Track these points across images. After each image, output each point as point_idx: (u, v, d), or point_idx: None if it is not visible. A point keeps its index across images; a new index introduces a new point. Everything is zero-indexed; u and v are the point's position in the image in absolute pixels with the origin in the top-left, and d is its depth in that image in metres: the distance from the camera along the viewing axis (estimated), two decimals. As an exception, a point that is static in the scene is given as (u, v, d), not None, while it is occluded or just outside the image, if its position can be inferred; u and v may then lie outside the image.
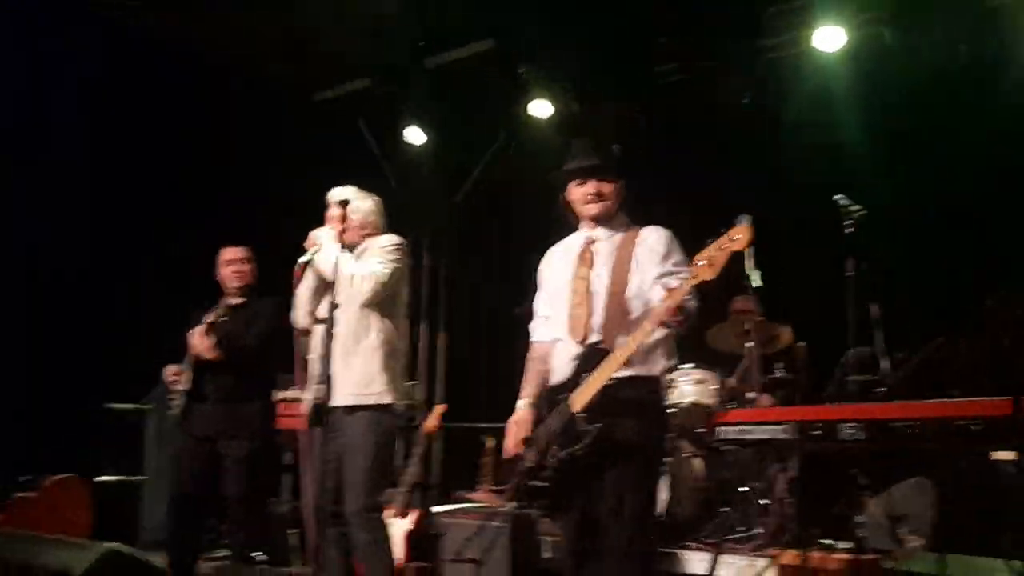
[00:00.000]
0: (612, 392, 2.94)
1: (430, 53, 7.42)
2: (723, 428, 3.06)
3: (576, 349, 3.07)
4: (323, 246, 3.77)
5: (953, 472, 3.59)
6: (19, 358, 6.07)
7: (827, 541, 3.98)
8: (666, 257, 3.07)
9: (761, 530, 4.89)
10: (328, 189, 4.04)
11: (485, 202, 8.61)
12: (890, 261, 4.80)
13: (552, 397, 3.08)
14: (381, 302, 3.82)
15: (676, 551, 4.76)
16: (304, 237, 3.85)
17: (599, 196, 3.18)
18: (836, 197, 4.64)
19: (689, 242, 3.12)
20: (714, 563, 3.16)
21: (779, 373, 5.31)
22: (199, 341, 4.42)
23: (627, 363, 2.92)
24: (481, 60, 7.31)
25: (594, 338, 3.04)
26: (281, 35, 7.15)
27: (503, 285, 7.67)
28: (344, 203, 3.80)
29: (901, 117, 6.00)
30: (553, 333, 3.22)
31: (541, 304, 3.33)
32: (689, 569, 4.66)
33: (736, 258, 5.15)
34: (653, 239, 3.13)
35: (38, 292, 6.20)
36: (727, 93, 6.47)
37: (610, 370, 2.90)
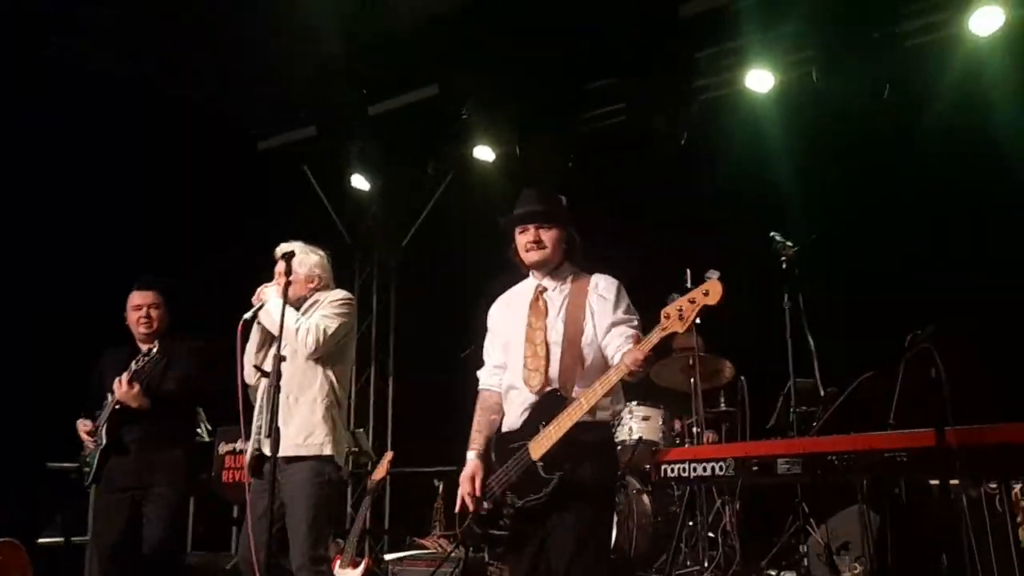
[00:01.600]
0: (569, 438, 2.94)
1: (374, 100, 7.49)
2: (666, 466, 3.09)
3: (531, 397, 3.07)
4: (268, 300, 3.80)
5: (889, 499, 3.67)
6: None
7: (772, 572, 4.03)
8: (616, 305, 3.10)
9: (707, 564, 4.95)
10: (276, 237, 4.04)
11: (432, 246, 8.65)
12: (824, 295, 4.92)
13: (504, 445, 3.07)
14: (327, 355, 3.83)
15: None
16: (251, 288, 3.87)
17: (537, 244, 3.20)
18: (771, 234, 4.77)
19: (633, 283, 3.20)
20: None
21: (723, 407, 5.40)
22: (125, 390, 4.22)
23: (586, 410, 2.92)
24: (425, 106, 7.41)
25: (552, 387, 3.05)
26: (227, 79, 7.18)
27: (451, 329, 7.67)
28: (288, 256, 3.80)
29: (832, 154, 6.19)
30: (506, 381, 3.23)
31: (492, 351, 3.33)
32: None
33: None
34: (603, 287, 3.17)
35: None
36: (662, 135, 6.61)
37: (572, 418, 2.91)
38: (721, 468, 2.83)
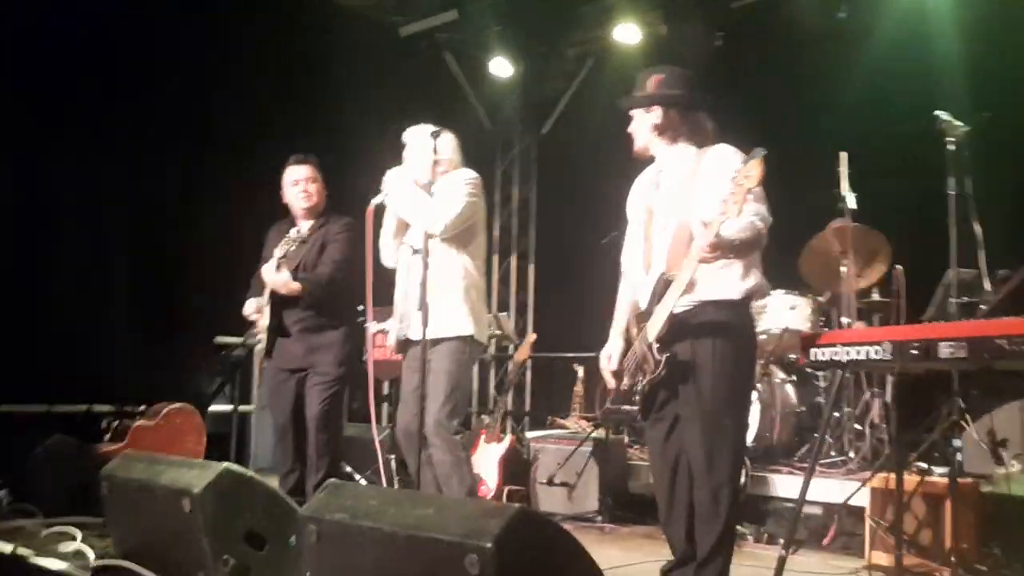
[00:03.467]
0: (686, 319, 2.97)
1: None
2: (817, 350, 3.01)
3: (649, 279, 3.11)
4: (397, 187, 3.86)
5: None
6: (129, 298, 6.43)
7: (923, 465, 3.93)
8: (720, 176, 2.91)
9: (853, 455, 4.88)
10: (417, 123, 4.08)
11: (573, 132, 8.56)
12: (993, 179, 4.60)
13: (638, 324, 3.12)
14: (458, 237, 3.89)
15: (768, 475, 4.79)
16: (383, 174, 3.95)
17: (631, 134, 3.20)
18: (937, 113, 4.45)
19: (785, 166, 3.06)
20: (805, 487, 3.15)
21: (876, 298, 5.20)
22: (274, 278, 4.29)
23: (693, 290, 2.93)
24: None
25: (659, 268, 3.05)
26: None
27: (591, 216, 7.64)
28: (436, 135, 3.84)
29: (1000, 30, 5.69)
30: (638, 263, 3.26)
31: (630, 235, 3.35)
32: (780, 492, 4.68)
33: (831, 179, 5.08)
34: (711, 159, 3.06)
35: (146, 235, 6.50)
36: (818, 12, 6.22)
37: (672, 300, 2.92)
38: (877, 352, 2.71)
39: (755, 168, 2.62)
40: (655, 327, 2.98)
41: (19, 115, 5.80)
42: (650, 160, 3.31)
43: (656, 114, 3.14)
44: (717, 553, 2.96)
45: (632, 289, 3.27)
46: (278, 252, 4.28)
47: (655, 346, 2.97)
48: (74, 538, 3.49)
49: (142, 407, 5.80)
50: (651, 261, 3.13)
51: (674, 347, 2.96)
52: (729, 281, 3.00)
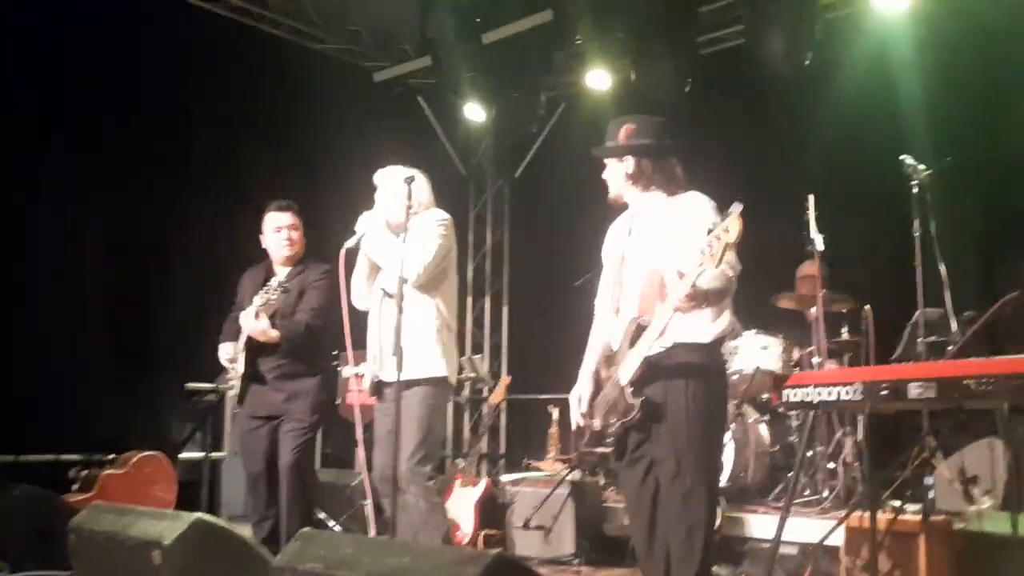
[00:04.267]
0: (658, 361, 3.02)
1: (488, 28, 7.45)
2: (789, 391, 3.05)
3: (622, 323, 3.15)
4: (371, 231, 3.88)
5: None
6: (99, 344, 6.36)
7: (896, 503, 3.96)
8: (694, 225, 2.95)
9: (827, 493, 4.90)
10: (387, 166, 4.11)
11: (545, 175, 8.65)
12: (957, 223, 4.70)
13: (608, 367, 3.17)
14: (431, 280, 3.91)
15: (743, 515, 4.79)
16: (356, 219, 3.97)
17: (605, 179, 3.29)
18: (902, 157, 4.56)
19: (756, 212, 3.11)
20: (781, 527, 3.17)
21: (846, 336, 5.26)
22: (253, 325, 4.26)
23: (665, 333, 2.96)
24: (538, 33, 7.33)
25: (633, 313, 3.11)
26: (338, 12, 7.26)
27: (565, 258, 7.69)
28: (410, 179, 3.85)
29: (964, 76, 5.85)
30: (609, 307, 3.31)
31: (604, 279, 3.41)
32: (756, 533, 4.68)
33: (799, 224, 5.16)
34: (684, 207, 3.12)
35: (117, 279, 6.46)
36: (783, 56, 6.35)
37: (646, 345, 2.97)
38: (848, 392, 2.75)
39: (734, 223, 2.67)
40: (629, 370, 3.02)
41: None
42: (624, 205, 3.36)
43: (628, 164, 3.21)
44: None
45: (603, 332, 3.30)
46: (258, 300, 4.25)
47: (628, 389, 3.01)
48: (41, 592, 3.42)
49: (111, 456, 5.72)
50: (623, 306, 3.20)
51: (646, 389, 3.01)
52: (700, 324, 3.05)
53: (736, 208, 2.69)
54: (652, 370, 3.00)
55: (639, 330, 3.02)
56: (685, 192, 3.18)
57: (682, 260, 2.84)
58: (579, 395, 3.28)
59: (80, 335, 6.31)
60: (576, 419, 3.29)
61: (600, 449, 3.23)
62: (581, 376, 3.31)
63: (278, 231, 4.49)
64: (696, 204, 3.11)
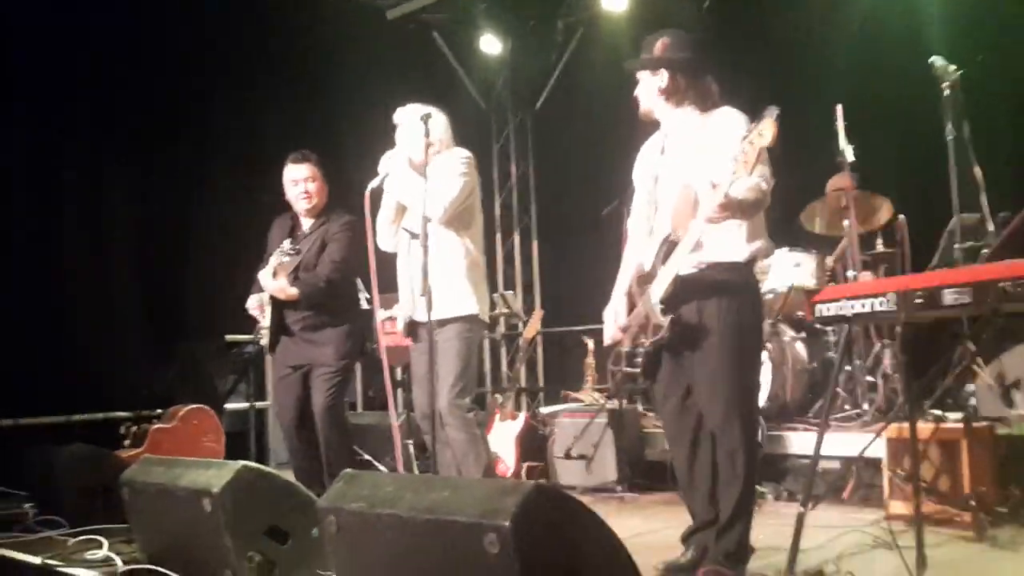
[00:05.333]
0: (691, 281, 2.98)
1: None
2: (822, 306, 3.00)
3: (653, 242, 3.13)
4: (394, 171, 3.86)
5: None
6: (137, 302, 6.46)
7: (937, 412, 3.94)
8: (725, 139, 2.89)
9: (868, 407, 4.88)
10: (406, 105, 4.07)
11: (567, 105, 8.53)
12: (992, 123, 4.57)
13: (641, 285, 3.13)
14: (457, 217, 3.89)
15: (784, 433, 4.80)
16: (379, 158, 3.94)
17: (636, 95, 3.24)
18: (931, 59, 4.41)
19: (782, 124, 3.02)
20: (820, 441, 3.16)
21: (880, 248, 5.18)
22: (271, 284, 4.32)
23: (699, 252, 2.94)
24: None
25: (664, 231, 3.07)
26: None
27: (591, 187, 7.62)
28: (426, 118, 3.81)
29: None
30: (643, 227, 3.29)
31: (636, 200, 3.37)
32: (796, 450, 4.69)
33: (829, 134, 5.05)
34: (718, 122, 3.06)
35: (149, 240, 6.53)
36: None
37: (677, 261, 2.93)
38: (882, 303, 2.70)
39: (768, 127, 2.60)
40: (660, 288, 2.99)
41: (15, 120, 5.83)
42: (653, 125, 3.31)
43: (662, 77, 3.14)
44: (738, 516, 2.98)
45: (637, 253, 3.28)
46: (274, 260, 4.30)
47: (659, 307, 2.98)
48: (100, 546, 3.53)
49: (159, 411, 5.85)
50: (656, 225, 3.17)
51: (679, 309, 2.98)
52: (735, 243, 3.02)
53: (772, 111, 2.63)
54: (685, 289, 2.96)
55: (671, 246, 2.98)
56: (718, 108, 3.11)
57: (715, 170, 2.77)
58: (614, 311, 3.26)
59: (120, 299, 6.43)
60: (610, 335, 3.28)
61: (628, 369, 3.18)
62: (615, 294, 3.30)
63: (295, 184, 4.48)
64: (729, 118, 3.04)
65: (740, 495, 2.97)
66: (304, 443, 4.45)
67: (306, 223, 4.53)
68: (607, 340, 3.30)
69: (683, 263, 2.94)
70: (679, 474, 3.23)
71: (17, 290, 5.75)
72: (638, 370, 3.11)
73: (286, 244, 4.31)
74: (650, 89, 3.18)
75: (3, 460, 4.57)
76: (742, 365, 3.00)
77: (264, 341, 4.50)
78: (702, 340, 2.98)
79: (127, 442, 5.55)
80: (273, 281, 4.32)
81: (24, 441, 5.43)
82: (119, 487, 3.47)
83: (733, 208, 2.78)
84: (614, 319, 3.25)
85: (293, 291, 4.33)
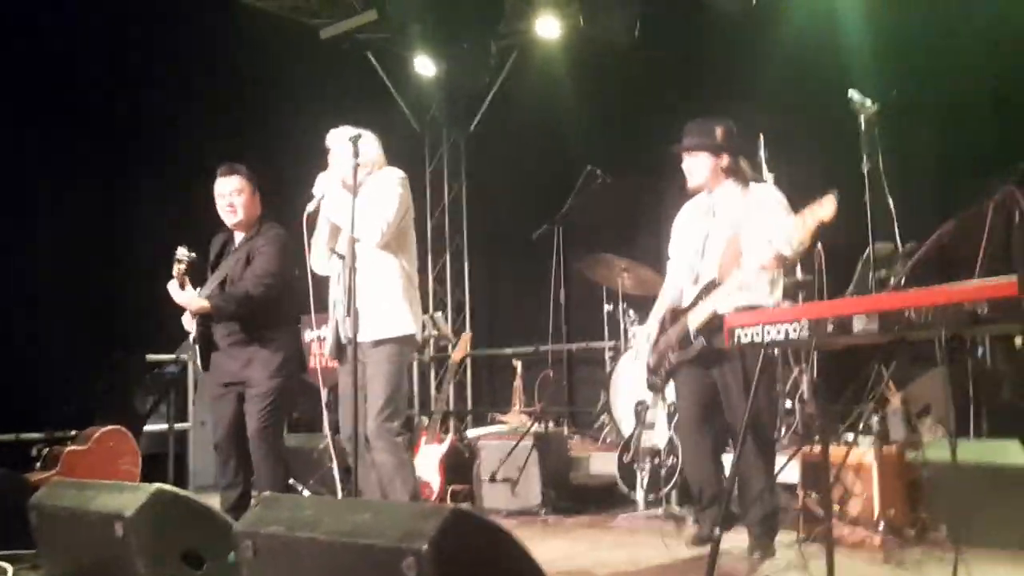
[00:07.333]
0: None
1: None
2: (740, 331, 3.08)
3: (695, 284, 3.87)
4: (328, 193, 3.85)
5: (973, 359, 3.63)
6: (58, 319, 6.28)
7: (850, 436, 4.05)
8: (770, 212, 3.70)
9: (785, 431, 5.00)
10: (343, 125, 4.06)
11: (500, 127, 8.59)
12: (905, 155, 4.74)
13: (675, 316, 3.92)
14: (393, 238, 3.89)
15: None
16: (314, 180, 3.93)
17: (689, 171, 3.97)
18: (849, 93, 4.57)
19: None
20: (734, 466, 3.25)
21: (799, 276, 5.32)
22: (179, 297, 4.20)
23: (737, 294, 3.65)
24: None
25: (712, 277, 3.78)
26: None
27: (523, 211, 7.69)
28: (355, 139, 3.81)
29: (909, 8, 5.88)
30: (683, 276, 4.01)
31: (674, 251, 4.14)
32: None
33: (749, 163, 5.19)
34: (763, 194, 3.87)
35: (72, 255, 6.35)
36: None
37: (718, 298, 3.66)
38: (796, 330, 2.79)
39: (830, 205, 3.34)
40: (698, 318, 3.74)
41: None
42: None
43: (724, 159, 3.90)
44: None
45: (674, 291, 4.06)
46: (174, 271, 4.18)
47: (693, 333, 3.74)
48: (4, 572, 3.41)
49: (73, 432, 5.68)
50: (703, 272, 3.89)
51: (711, 336, 3.68)
52: (765, 291, 3.76)
53: (833, 194, 3.37)
54: (717, 323, 3.56)
55: (712, 287, 3.72)
56: (750, 182, 3.92)
57: (771, 230, 3.49)
58: (648, 332, 4.07)
59: (38, 313, 6.23)
60: (644, 355, 4.10)
61: (653, 378, 4.05)
62: (650, 320, 4.12)
63: (221, 197, 4.38)
64: (771, 191, 3.91)
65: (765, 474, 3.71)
66: (234, 463, 4.31)
67: (237, 238, 4.44)
68: (642, 357, 4.13)
69: (722, 303, 3.64)
70: (685, 449, 4.17)
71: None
72: (661, 379, 4.00)
73: (180, 250, 4.18)
74: (711, 167, 3.91)
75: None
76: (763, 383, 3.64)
77: (197, 359, 4.37)
78: (719, 362, 3.75)
79: (39, 464, 5.37)
80: (181, 293, 4.19)
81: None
82: (27, 510, 3.36)
83: (781, 262, 3.60)
84: (646, 339, 4.06)
85: (203, 303, 4.20)
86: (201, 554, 3.01)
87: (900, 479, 3.87)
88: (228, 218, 4.40)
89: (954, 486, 3.40)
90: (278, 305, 4.30)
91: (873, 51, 5.83)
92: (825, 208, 3.32)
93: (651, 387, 4.16)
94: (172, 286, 4.22)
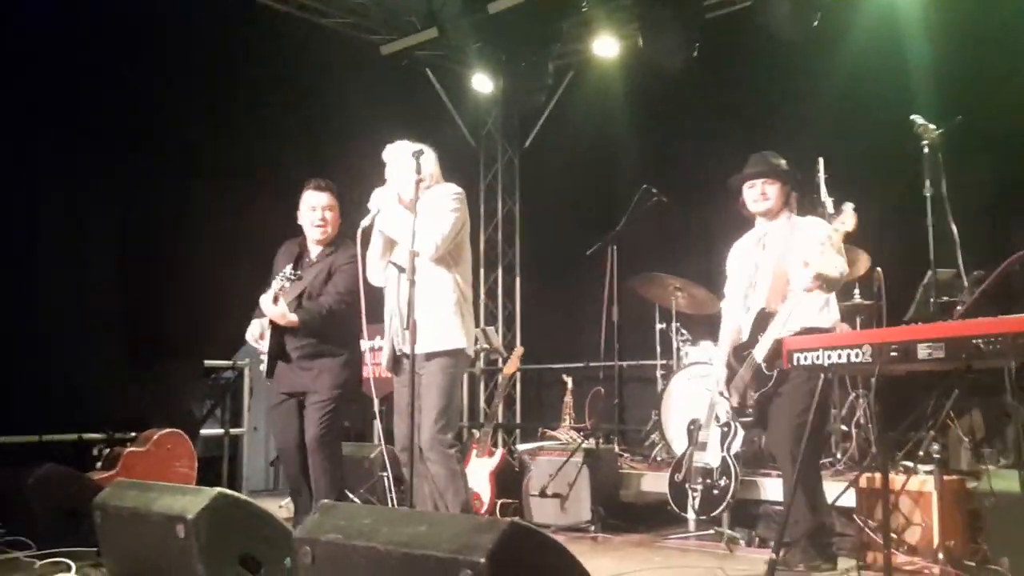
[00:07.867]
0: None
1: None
2: (799, 355, 3.06)
3: (751, 317, 4.06)
4: (384, 207, 3.90)
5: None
6: (117, 324, 6.42)
7: (909, 464, 3.98)
8: (816, 242, 3.87)
9: (841, 456, 4.93)
10: (401, 140, 4.12)
11: (555, 144, 8.63)
12: (969, 180, 4.68)
13: (739, 352, 4.10)
14: (448, 253, 3.93)
15: (757, 479, 4.83)
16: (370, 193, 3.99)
17: (763, 196, 4.14)
18: (912, 117, 4.52)
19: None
20: (792, 489, 3.22)
21: (857, 300, 5.26)
22: (271, 310, 4.29)
23: (792, 322, 3.83)
24: (545, 1, 7.28)
25: (761, 306, 4.00)
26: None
27: (575, 228, 7.70)
28: (418, 155, 3.86)
29: (974, 33, 5.80)
30: (737, 305, 4.22)
31: (730, 284, 4.32)
32: (770, 496, 4.72)
33: (810, 185, 5.16)
34: (809, 228, 4.03)
35: (131, 262, 6.50)
36: (792, 19, 6.29)
37: (776, 329, 3.84)
38: (857, 355, 2.77)
39: (850, 216, 3.54)
40: (762, 351, 3.93)
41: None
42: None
43: (787, 189, 4.16)
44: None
45: (733, 326, 4.22)
46: (275, 285, 4.28)
47: (763, 365, 3.92)
48: (68, 569, 3.50)
49: (132, 434, 5.80)
50: (753, 303, 4.09)
51: (775, 364, 3.82)
52: (820, 313, 3.94)
53: (849, 205, 3.57)
54: (777, 349, 3.66)
55: (766, 317, 3.93)
56: (796, 214, 4.16)
57: (809, 254, 3.73)
58: (717, 378, 4.22)
59: (97, 318, 6.36)
60: (715, 399, 4.39)
61: (743, 419, 4.13)
62: (715, 363, 4.32)
63: (313, 210, 4.49)
64: (817, 222, 4.09)
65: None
66: (297, 470, 4.43)
67: (314, 251, 4.54)
68: (718, 403, 4.38)
69: (780, 331, 3.82)
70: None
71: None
72: (751, 418, 4.04)
73: (287, 269, 4.30)
74: (781, 196, 4.14)
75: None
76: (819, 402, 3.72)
77: (262, 366, 4.47)
78: (789, 385, 3.89)
79: (99, 464, 5.50)
80: (274, 307, 4.29)
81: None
82: (91, 510, 3.44)
83: (821, 280, 3.72)
84: (717, 385, 4.22)
85: (293, 318, 4.30)
86: (258, 558, 3.07)
87: (961, 509, 3.79)
88: (315, 232, 4.50)
89: (1018, 518, 3.32)
90: (349, 321, 4.36)
91: (936, 75, 5.76)
92: (847, 222, 3.55)
93: (745, 427, 4.32)
94: (266, 299, 4.32)
